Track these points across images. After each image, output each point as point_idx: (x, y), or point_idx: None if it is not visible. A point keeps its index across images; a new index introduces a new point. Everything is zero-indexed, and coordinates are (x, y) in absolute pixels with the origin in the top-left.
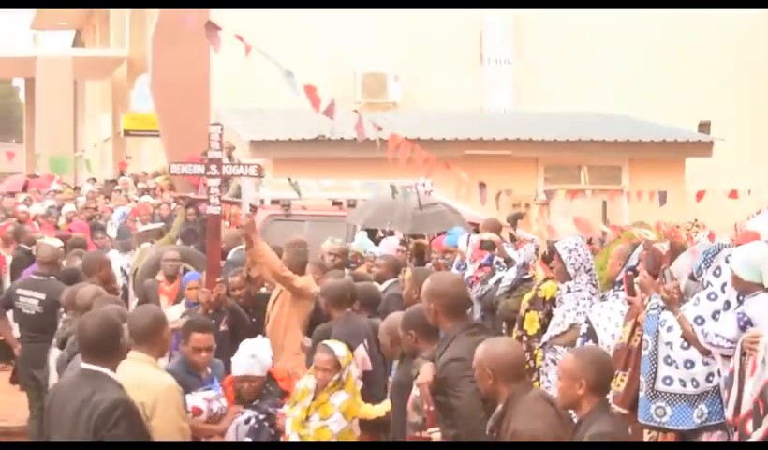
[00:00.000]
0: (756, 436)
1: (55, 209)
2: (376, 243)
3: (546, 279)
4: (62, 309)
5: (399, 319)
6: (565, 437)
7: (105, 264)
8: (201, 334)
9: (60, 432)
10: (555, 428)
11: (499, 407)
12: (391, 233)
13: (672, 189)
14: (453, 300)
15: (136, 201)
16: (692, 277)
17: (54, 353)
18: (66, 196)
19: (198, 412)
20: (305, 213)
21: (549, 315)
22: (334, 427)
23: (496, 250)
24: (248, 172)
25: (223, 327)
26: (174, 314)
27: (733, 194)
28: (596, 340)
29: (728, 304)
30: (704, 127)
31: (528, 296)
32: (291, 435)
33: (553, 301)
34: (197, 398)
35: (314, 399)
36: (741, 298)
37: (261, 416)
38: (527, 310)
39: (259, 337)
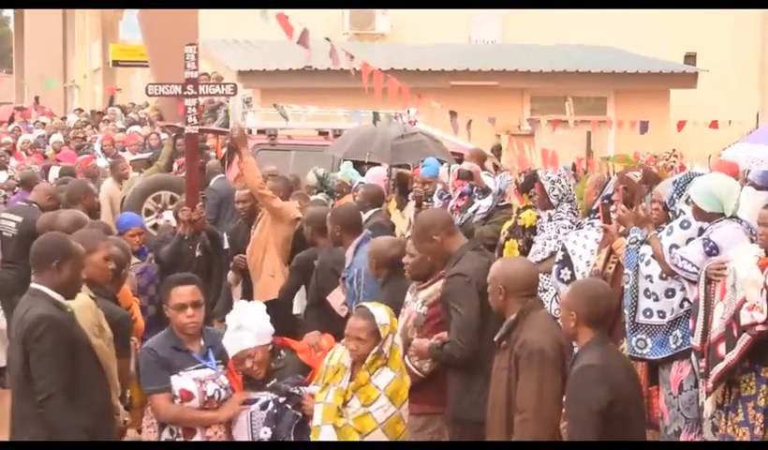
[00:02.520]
0: (728, 358)
1: (44, 139)
2: (363, 173)
3: (526, 208)
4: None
5: (386, 244)
6: (568, 357)
7: (89, 193)
8: (184, 287)
9: (11, 351)
10: (561, 346)
11: (512, 317)
12: (378, 163)
13: (657, 120)
14: (448, 223)
15: (123, 130)
16: (665, 208)
17: None
18: (56, 126)
19: (187, 396)
20: (291, 143)
21: (528, 243)
22: (379, 415)
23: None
24: (224, 91)
25: (198, 253)
26: None
27: (714, 125)
28: (571, 267)
29: (701, 230)
30: (690, 58)
31: (508, 224)
32: (324, 428)
33: (532, 229)
34: (185, 380)
35: (351, 380)
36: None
37: (282, 399)
38: (507, 238)
39: (243, 302)
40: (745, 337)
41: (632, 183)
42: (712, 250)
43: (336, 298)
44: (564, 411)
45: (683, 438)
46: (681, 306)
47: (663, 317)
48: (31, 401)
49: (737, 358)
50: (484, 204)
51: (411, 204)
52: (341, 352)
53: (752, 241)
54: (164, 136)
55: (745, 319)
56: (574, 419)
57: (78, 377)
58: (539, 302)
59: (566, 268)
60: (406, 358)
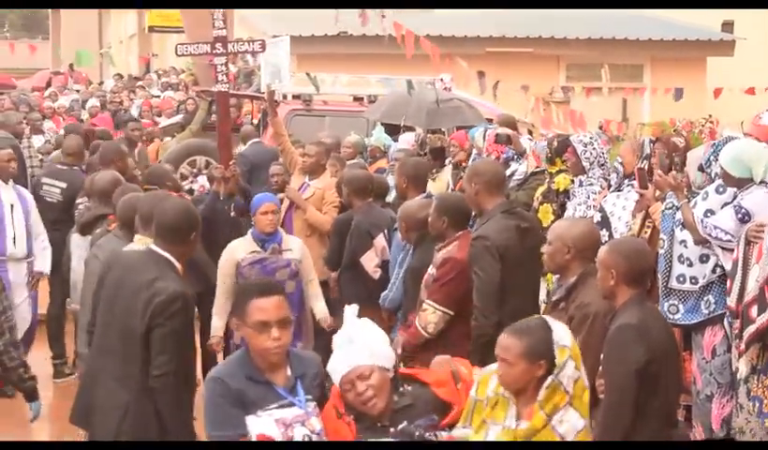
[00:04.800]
0: (760, 321)
1: (78, 104)
2: (396, 139)
3: (559, 172)
4: (79, 197)
5: (415, 206)
6: None
7: (122, 155)
8: (266, 299)
9: (116, 305)
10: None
11: (572, 279)
12: (411, 129)
13: (693, 88)
14: (493, 177)
15: (158, 96)
16: (701, 169)
17: (75, 239)
18: (91, 90)
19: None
20: (326, 108)
21: (562, 207)
22: None
23: (512, 144)
24: (253, 48)
25: (233, 213)
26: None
27: (750, 91)
28: (609, 228)
29: (736, 196)
30: (727, 26)
31: (542, 189)
32: None
33: (566, 193)
34: (264, 422)
35: (529, 426)
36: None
37: None
38: (541, 203)
39: (353, 315)
40: None
41: (674, 147)
42: (744, 217)
43: (369, 260)
44: (600, 369)
45: (715, 402)
46: (713, 271)
47: (696, 283)
48: (141, 370)
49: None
50: (520, 170)
51: (449, 168)
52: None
53: None
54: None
55: None
56: (611, 377)
57: (188, 358)
58: (596, 268)
59: (603, 229)
60: (415, 318)
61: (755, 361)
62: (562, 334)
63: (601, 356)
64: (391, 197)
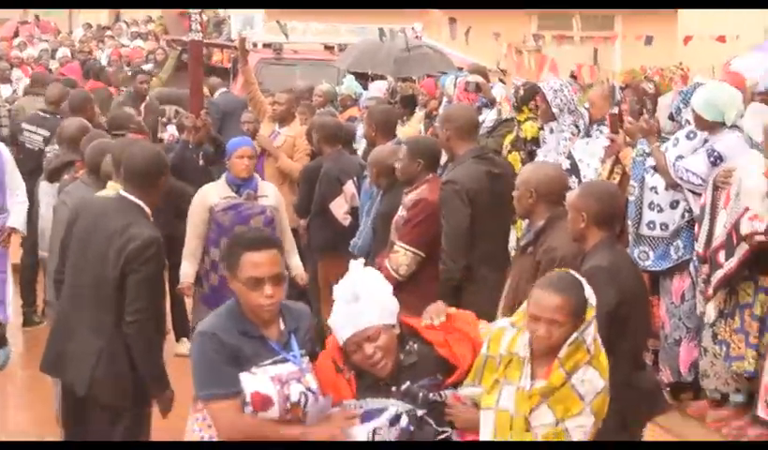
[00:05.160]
0: (727, 266)
1: (47, 53)
2: (366, 87)
3: (527, 119)
4: (48, 146)
5: (385, 152)
6: None
7: (89, 103)
8: (260, 253)
9: (88, 252)
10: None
11: (540, 224)
12: (382, 77)
13: (664, 36)
14: (465, 123)
15: (128, 46)
16: (671, 117)
17: (43, 187)
18: (60, 40)
19: (263, 403)
20: (297, 57)
21: (531, 155)
22: (578, 436)
23: (482, 92)
24: None
25: (201, 162)
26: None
27: (721, 39)
28: (578, 175)
29: (706, 141)
30: None
31: (510, 137)
32: (487, 434)
33: (534, 141)
34: (260, 379)
35: (533, 377)
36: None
37: (420, 411)
38: (509, 151)
39: (357, 266)
40: (744, 247)
41: (643, 93)
42: (716, 160)
43: (338, 207)
44: None
45: (683, 346)
46: (683, 217)
47: (666, 229)
48: (114, 316)
49: (736, 267)
50: (489, 117)
51: (419, 115)
52: (511, 335)
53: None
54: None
55: (746, 228)
56: None
57: (159, 303)
58: (565, 211)
59: (572, 176)
60: (385, 260)
61: (722, 305)
62: (589, 291)
63: None
64: (361, 147)
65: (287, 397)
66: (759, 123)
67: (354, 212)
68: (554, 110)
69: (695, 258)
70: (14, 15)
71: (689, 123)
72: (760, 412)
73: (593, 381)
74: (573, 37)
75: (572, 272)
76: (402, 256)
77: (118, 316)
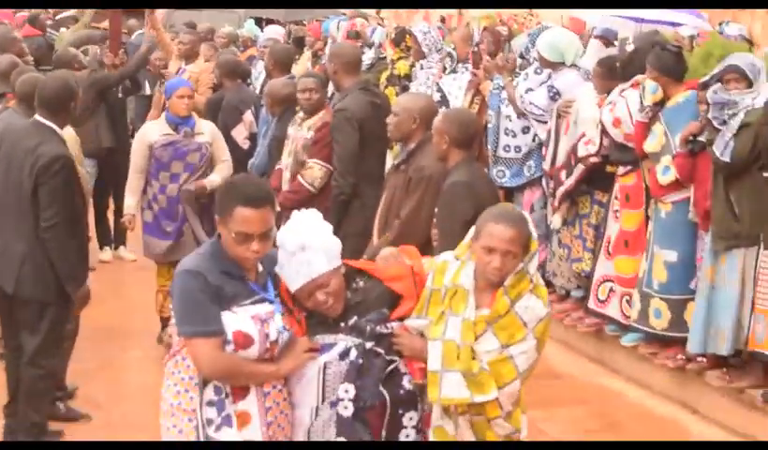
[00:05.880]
0: (568, 183)
1: None
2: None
3: (399, 59)
4: None
5: (279, 84)
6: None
7: (16, 42)
8: (254, 210)
9: (9, 169)
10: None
11: (412, 145)
12: (275, 22)
13: None
14: (351, 59)
15: None
16: (521, 56)
17: None
18: None
19: (244, 341)
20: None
21: (404, 89)
22: (521, 362)
23: (361, 38)
24: None
25: (120, 94)
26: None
27: None
28: (447, 106)
29: (550, 76)
30: None
31: (385, 74)
32: (448, 376)
33: (407, 77)
34: (241, 318)
35: (492, 311)
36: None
37: (368, 343)
38: (385, 87)
39: (299, 215)
40: (581, 167)
41: (498, 35)
42: (555, 96)
43: (239, 133)
44: (435, 220)
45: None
46: (533, 140)
47: (519, 151)
48: (31, 224)
49: (574, 183)
50: (367, 56)
51: (307, 54)
52: (455, 268)
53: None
54: None
55: (582, 151)
56: (443, 226)
57: (75, 210)
58: (431, 135)
59: (442, 107)
60: (298, 176)
61: (565, 215)
62: (532, 226)
63: (435, 209)
64: (259, 82)
65: (266, 336)
66: (595, 60)
67: (252, 137)
68: (424, 49)
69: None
70: None
71: (536, 60)
72: (591, 305)
73: (535, 308)
74: None
75: (515, 206)
76: (317, 171)
77: (36, 224)
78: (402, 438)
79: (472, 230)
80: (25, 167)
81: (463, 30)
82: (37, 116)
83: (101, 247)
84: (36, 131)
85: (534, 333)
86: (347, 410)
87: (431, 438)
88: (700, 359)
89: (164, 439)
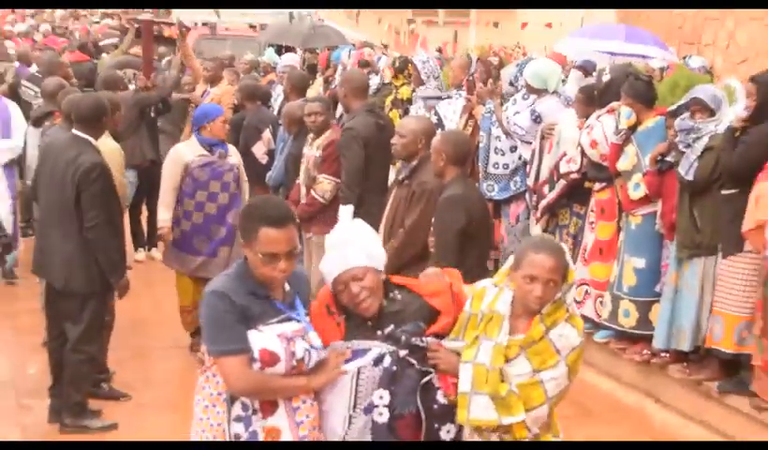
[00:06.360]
0: (549, 197)
1: (34, 28)
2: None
3: (402, 85)
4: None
5: (295, 106)
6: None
7: (63, 66)
8: (278, 230)
9: (52, 180)
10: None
11: (414, 163)
12: (292, 50)
13: (507, 22)
14: (359, 85)
15: (98, 22)
16: (511, 83)
17: (30, 130)
18: (45, 18)
19: (270, 359)
20: (228, 33)
21: (406, 112)
22: (551, 388)
23: (370, 66)
24: None
25: (152, 114)
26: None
27: (549, 25)
28: (443, 128)
29: (535, 101)
30: None
31: (390, 98)
32: (476, 398)
33: (408, 101)
34: (267, 337)
35: (527, 336)
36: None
37: (403, 352)
38: (390, 109)
39: (347, 218)
40: (562, 183)
41: (489, 65)
42: (537, 118)
43: (258, 149)
44: (432, 229)
45: None
46: (519, 158)
47: (507, 168)
48: (76, 226)
49: (555, 197)
50: (374, 82)
51: (319, 80)
52: (493, 294)
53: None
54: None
55: (563, 168)
56: (439, 234)
57: (113, 212)
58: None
59: (439, 129)
60: (312, 190)
61: (546, 226)
62: (569, 256)
63: (433, 220)
64: (277, 104)
65: (293, 354)
66: (576, 87)
67: (270, 153)
68: (423, 77)
69: (528, 190)
70: None
71: (524, 87)
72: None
73: (570, 337)
74: (438, 21)
75: (552, 237)
76: (326, 184)
77: (81, 224)
78: None
79: (511, 259)
80: (67, 175)
81: (461, 59)
82: (75, 130)
83: (135, 249)
84: (74, 143)
85: (566, 360)
86: (382, 416)
87: None
88: (663, 354)
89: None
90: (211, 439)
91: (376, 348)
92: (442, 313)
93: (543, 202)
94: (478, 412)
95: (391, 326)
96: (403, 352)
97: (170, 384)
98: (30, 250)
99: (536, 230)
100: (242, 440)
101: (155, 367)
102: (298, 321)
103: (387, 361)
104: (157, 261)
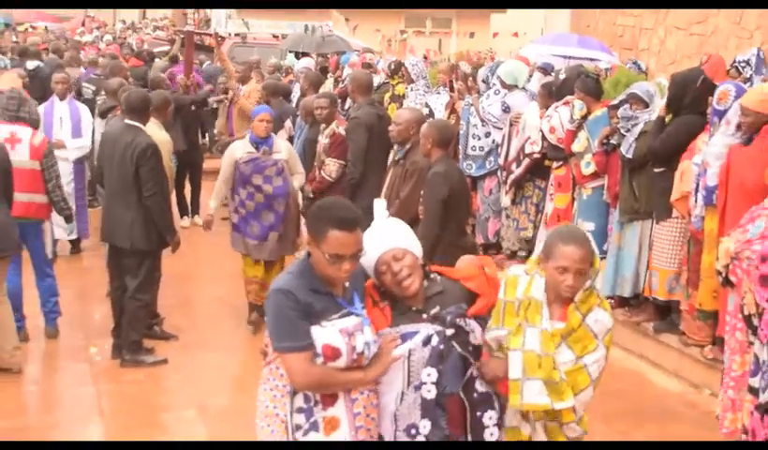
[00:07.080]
0: (516, 172)
1: (99, 38)
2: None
3: (398, 83)
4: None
5: (311, 101)
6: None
7: (123, 69)
8: (348, 234)
9: (113, 160)
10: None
11: (408, 145)
12: (307, 55)
13: (482, 32)
14: (364, 83)
15: (150, 34)
16: (484, 81)
17: (97, 121)
18: (108, 30)
19: (333, 354)
20: (256, 42)
21: (401, 105)
22: (594, 371)
23: (372, 68)
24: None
25: (193, 107)
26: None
27: (515, 34)
28: (433, 117)
29: (505, 95)
30: None
31: (388, 94)
32: (530, 384)
33: (403, 96)
34: (329, 332)
35: (567, 325)
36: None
37: (449, 331)
38: (389, 103)
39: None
40: (526, 161)
41: (457, 69)
42: (506, 109)
43: (281, 136)
44: (421, 199)
45: (490, 222)
46: (493, 142)
47: (482, 150)
48: (137, 195)
49: (521, 173)
50: (375, 81)
51: (330, 79)
52: (525, 281)
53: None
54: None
55: (528, 149)
56: (427, 204)
57: (164, 184)
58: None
59: (430, 118)
60: (321, 171)
61: (512, 196)
62: (594, 244)
63: (422, 192)
64: (295, 98)
65: (353, 348)
66: (538, 84)
67: (290, 139)
68: (413, 77)
69: (500, 167)
70: (78, 14)
71: (495, 84)
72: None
73: (603, 320)
74: (425, 31)
75: (578, 228)
76: (332, 165)
77: (139, 194)
78: (487, 437)
79: (541, 250)
80: (126, 155)
81: (447, 64)
82: (126, 120)
83: (181, 217)
84: (128, 130)
85: (603, 342)
86: (429, 393)
87: (504, 437)
88: (609, 300)
89: (258, 436)
90: (276, 425)
91: (424, 329)
92: (480, 295)
93: (512, 177)
94: (530, 398)
95: (437, 307)
96: (449, 332)
97: (210, 328)
98: (96, 219)
99: (505, 200)
100: (302, 430)
101: (197, 314)
102: (357, 315)
103: (435, 340)
104: (198, 226)
